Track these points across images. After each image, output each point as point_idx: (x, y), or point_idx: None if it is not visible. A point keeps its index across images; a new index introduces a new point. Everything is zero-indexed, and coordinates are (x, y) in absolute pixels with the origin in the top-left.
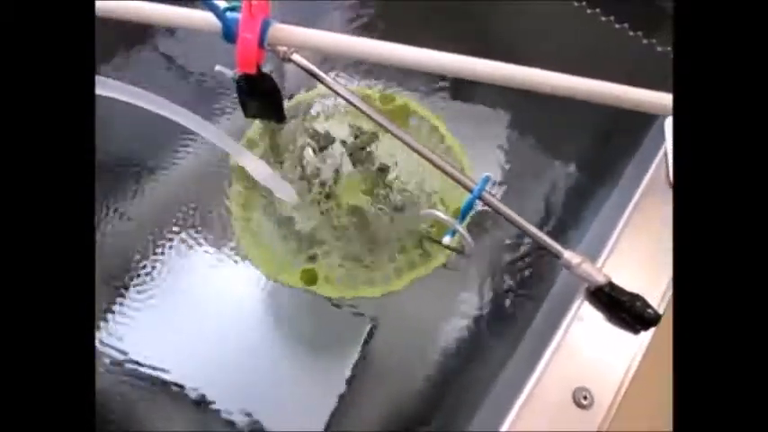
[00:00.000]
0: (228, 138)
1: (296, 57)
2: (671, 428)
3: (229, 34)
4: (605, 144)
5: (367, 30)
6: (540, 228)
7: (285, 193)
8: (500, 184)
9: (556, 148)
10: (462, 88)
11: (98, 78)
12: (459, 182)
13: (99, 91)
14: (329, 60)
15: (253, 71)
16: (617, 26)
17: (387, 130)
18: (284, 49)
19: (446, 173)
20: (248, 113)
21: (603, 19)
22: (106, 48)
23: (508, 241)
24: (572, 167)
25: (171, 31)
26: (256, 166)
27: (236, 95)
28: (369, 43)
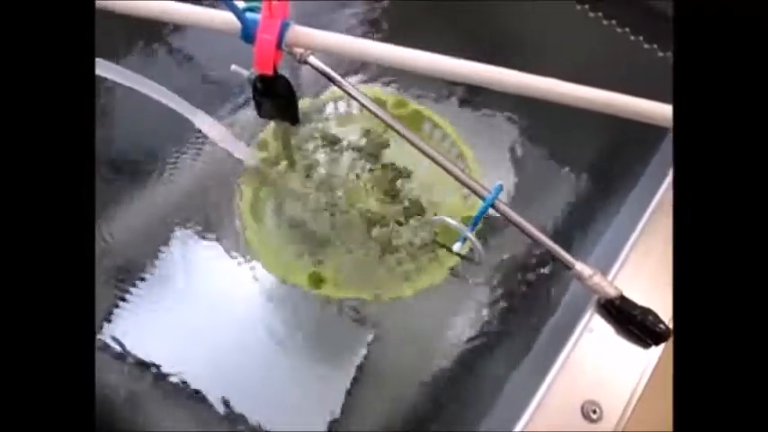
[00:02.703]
0: (183, 101)
1: (312, 59)
2: None
3: (248, 35)
4: (619, 155)
5: (373, 34)
6: (552, 239)
7: (243, 153)
8: (511, 192)
9: (568, 158)
10: (476, 96)
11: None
12: (471, 189)
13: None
14: (344, 63)
15: (270, 72)
16: (618, 30)
17: (400, 135)
18: (301, 50)
19: (459, 179)
20: (263, 114)
21: (605, 23)
22: (122, 46)
23: (517, 251)
24: (584, 178)
25: (186, 29)
26: (212, 128)
27: (250, 95)
28: (385, 48)
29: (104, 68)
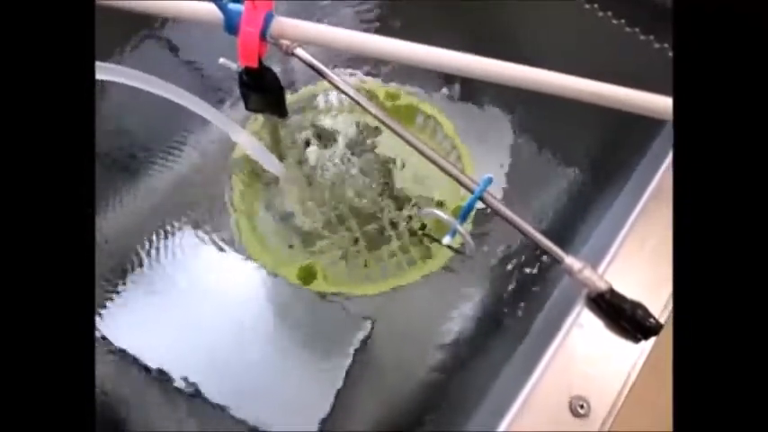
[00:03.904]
0: (221, 114)
1: (299, 51)
2: None
3: (231, 26)
4: (612, 149)
5: (373, 28)
6: (543, 232)
7: (273, 166)
8: (504, 186)
9: (562, 151)
10: (469, 88)
11: (99, 64)
12: (460, 182)
13: (100, 76)
14: (335, 56)
15: (254, 64)
16: (614, 22)
17: (389, 128)
18: (287, 43)
19: (447, 172)
20: (250, 107)
21: (601, 14)
22: (109, 39)
23: (510, 245)
24: (577, 172)
25: (175, 22)
26: (247, 141)
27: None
28: (372, 39)
29: (108, 72)
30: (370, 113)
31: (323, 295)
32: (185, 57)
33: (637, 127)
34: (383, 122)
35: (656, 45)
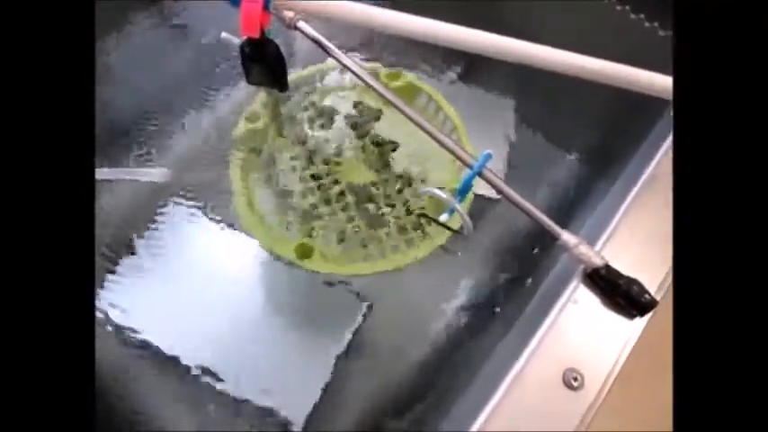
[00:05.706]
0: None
1: (302, 24)
2: (659, 415)
3: None
4: (613, 132)
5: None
6: (544, 212)
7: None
8: (505, 168)
9: (563, 135)
10: (472, 72)
11: None
12: (459, 158)
13: None
14: (338, 36)
15: (256, 35)
16: (605, 1)
17: (391, 104)
18: (291, 15)
19: (447, 148)
20: (251, 80)
21: (605, 1)
22: (115, 15)
23: (509, 225)
24: (578, 155)
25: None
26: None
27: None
28: (377, 12)
29: None
30: (372, 89)
31: (321, 276)
32: (189, 33)
33: (635, 116)
34: (385, 98)
35: (647, 24)
